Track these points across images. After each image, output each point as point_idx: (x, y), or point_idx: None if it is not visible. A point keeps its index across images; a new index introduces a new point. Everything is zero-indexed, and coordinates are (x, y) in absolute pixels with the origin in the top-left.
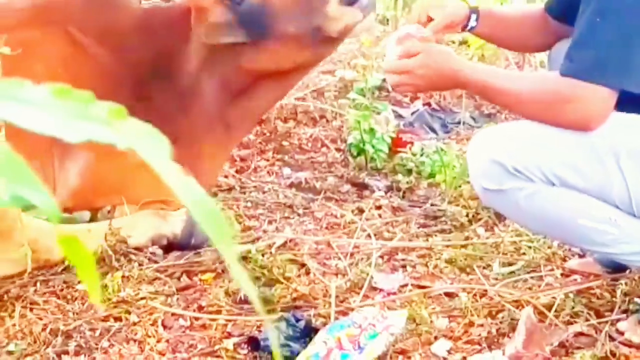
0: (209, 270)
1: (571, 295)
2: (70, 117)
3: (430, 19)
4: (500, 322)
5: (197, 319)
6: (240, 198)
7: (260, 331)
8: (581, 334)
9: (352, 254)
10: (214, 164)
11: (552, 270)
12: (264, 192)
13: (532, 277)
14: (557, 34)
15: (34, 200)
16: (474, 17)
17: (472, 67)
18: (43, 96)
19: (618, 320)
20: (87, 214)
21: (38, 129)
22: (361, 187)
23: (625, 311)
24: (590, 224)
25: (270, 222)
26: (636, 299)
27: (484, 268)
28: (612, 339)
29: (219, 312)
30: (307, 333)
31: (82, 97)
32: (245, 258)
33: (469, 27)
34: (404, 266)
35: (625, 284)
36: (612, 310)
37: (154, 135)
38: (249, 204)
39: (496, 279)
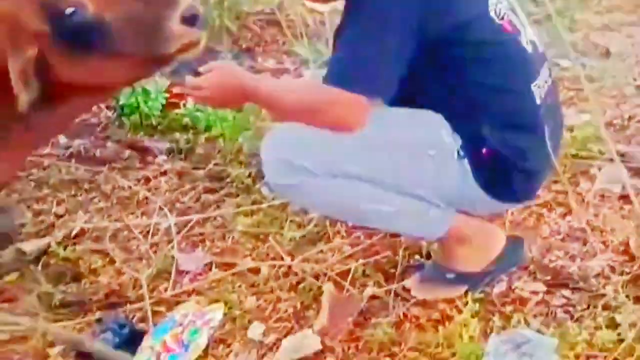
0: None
1: (361, 260)
2: None
3: None
4: (302, 295)
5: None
6: (22, 177)
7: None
8: (375, 297)
9: (151, 233)
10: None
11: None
12: (44, 169)
13: (324, 243)
14: None
15: None
16: None
17: (256, 79)
18: None
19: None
20: None
21: None
22: (142, 151)
23: (408, 267)
24: (370, 206)
25: (59, 203)
26: (416, 256)
27: (275, 234)
28: (404, 299)
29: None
30: (132, 338)
31: None
32: (46, 253)
33: None
34: (202, 241)
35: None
36: (396, 267)
37: None
38: (32, 184)
39: (289, 244)
